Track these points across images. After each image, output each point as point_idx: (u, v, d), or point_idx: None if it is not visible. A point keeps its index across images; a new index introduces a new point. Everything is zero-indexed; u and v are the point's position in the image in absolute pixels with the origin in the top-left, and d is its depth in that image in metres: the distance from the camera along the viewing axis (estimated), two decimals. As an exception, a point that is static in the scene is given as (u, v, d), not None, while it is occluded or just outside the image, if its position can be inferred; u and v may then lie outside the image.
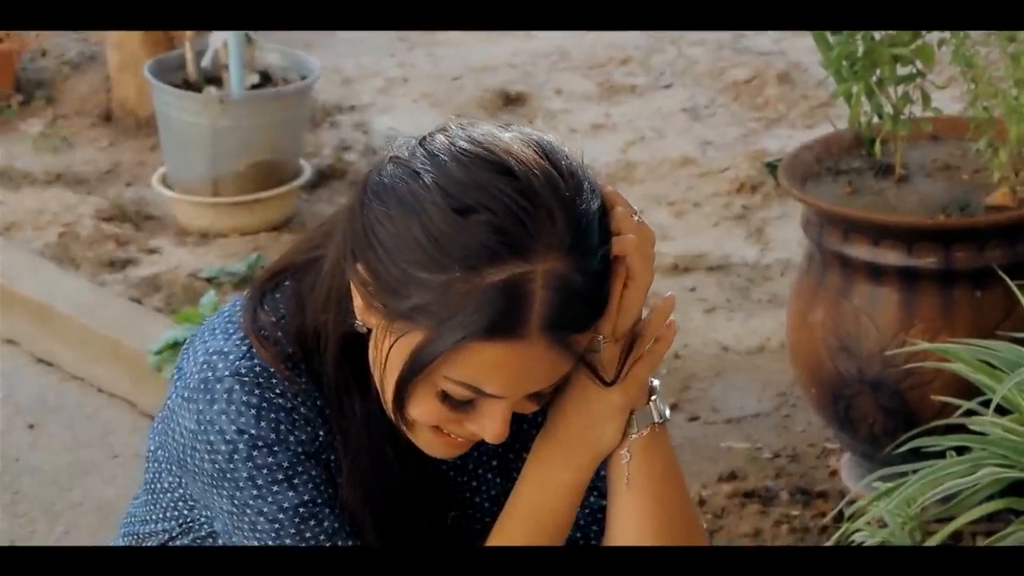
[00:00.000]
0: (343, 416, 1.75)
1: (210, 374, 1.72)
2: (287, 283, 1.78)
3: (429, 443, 1.74)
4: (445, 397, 1.67)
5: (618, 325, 1.69)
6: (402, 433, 1.76)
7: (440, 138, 1.66)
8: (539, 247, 1.60)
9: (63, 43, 5.92)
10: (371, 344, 1.71)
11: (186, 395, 1.73)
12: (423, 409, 1.69)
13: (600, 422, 1.74)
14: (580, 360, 1.67)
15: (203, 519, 1.84)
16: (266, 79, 4.85)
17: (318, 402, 1.74)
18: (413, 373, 1.65)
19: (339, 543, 1.74)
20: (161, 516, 1.88)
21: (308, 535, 1.73)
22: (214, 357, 1.73)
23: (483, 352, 1.62)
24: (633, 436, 1.75)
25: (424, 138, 1.67)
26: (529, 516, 1.77)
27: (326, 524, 1.74)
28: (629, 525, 1.77)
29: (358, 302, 1.69)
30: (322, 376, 1.74)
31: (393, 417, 1.72)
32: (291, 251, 1.82)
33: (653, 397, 1.77)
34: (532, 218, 1.60)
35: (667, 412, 1.78)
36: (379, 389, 1.72)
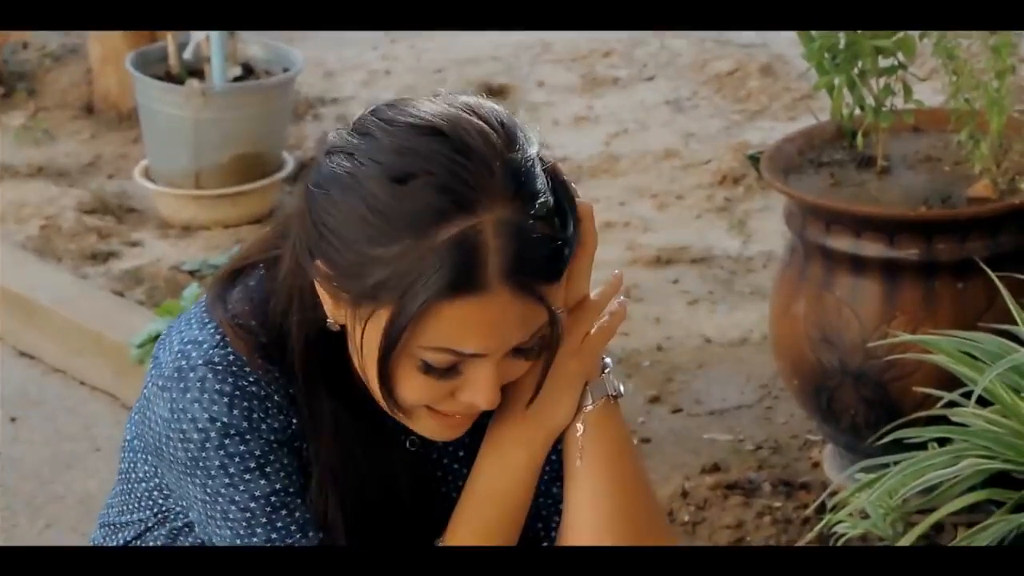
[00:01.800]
0: (312, 418, 1.74)
1: (184, 363, 1.73)
2: (260, 271, 1.78)
3: (430, 428, 1.74)
4: (428, 368, 1.67)
5: (569, 292, 1.73)
6: (374, 431, 1.76)
7: (369, 117, 1.68)
8: (483, 198, 1.61)
9: (44, 36, 5.90)
10: (349, 341, 1.72)
11: (161, 383, 1.74)
12: (410, 386, 1.68)
13: (555, 394, 1.75)
14: (552, 314, 1.67)
15: (179, 508, 1.84)
16: (248, 71, 4.85)
17: (290, 390, 1.74)
18: (389, 350, 1.65)
19: (310, 534, 1.74)
20: (136, 506, 1.88)
21: (280, 524, 1.73)
22: (188, 346, 1.74)
23: (450, 312, 1.62)
24: (587, 408, 1.77)
25: (354, 122, 1.69)
26: (488, 498, 1.77)
27: (298, 515, 1.74)
28: (585, 500, 1.77)
29: (326, 300, 1.70)
30: (293, 369, 1.75)
31: (386, 405, 1.71)
32: (249, 248, 1.82)
33: (607, 371, 1.79)
34: (470, 172, 1.61)
35: (621, 388, 1.80)
36: (364, 379, 1.72)
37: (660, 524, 1.82)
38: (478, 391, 1.69)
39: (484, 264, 1.61)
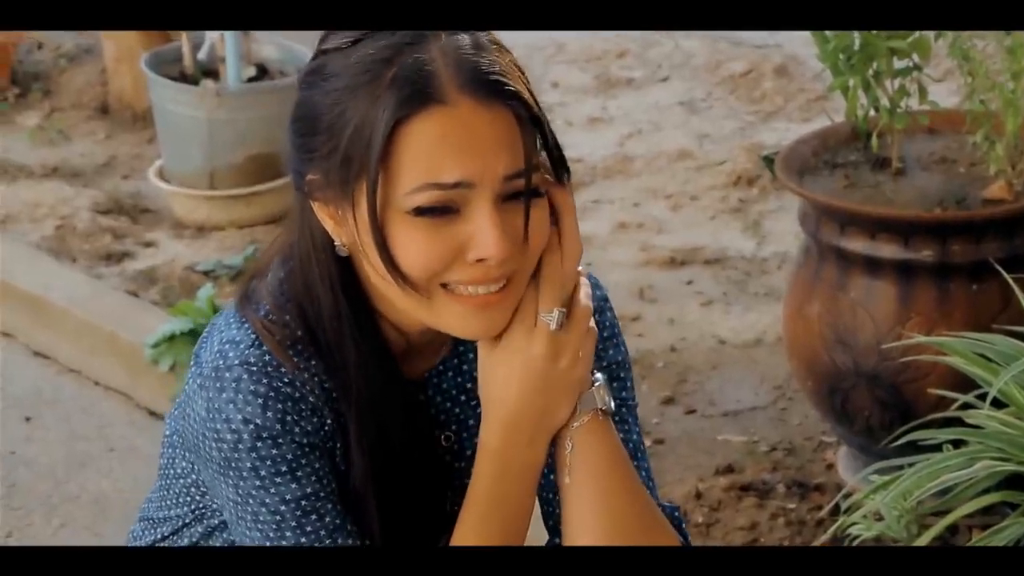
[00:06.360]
0: (344, 358, 1.75)
1: (221, 362, 1.74)
2: (287, 261, 1.79)
3: (457, 319, 1.71)
4: (421, 212, 1.66)
5: (566, 297, 1.73)
6: (396, 381, 1.76)
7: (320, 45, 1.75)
8: (428, 35, 1.67)
9: (59, 36, 5.91)
10: (360, 257, 1.72)
11: (200, 382, 1.75)
12: (412, 248, 1.67)
13: (558, 398, 1.74)
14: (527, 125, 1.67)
15: (215, 506, 1.85)
16: (263, 72, 4.85)
17: (325, 385, 1.75)
18: (374, 197, 1.66)
19: (339, 540, 1.74)
20: (175, 502, 1.89)
21: (309, 529, 1.74)
22: (226, 346, 1.75)
23: (418, 133, 1.64)
24: (575, 425, 1.76)
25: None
26: (492, 505, 1.76)
27: (327, 520, 1.74)
28: (577, 517, 1.76)
29: (328, 223, 1.72)
30: (329, 349, 1.75)
31: (400, 286, 1.69)
32: (270, 246, 1.85)
33: (596, 384, 1.78)
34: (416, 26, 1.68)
35: (611, 403, 1.79)
36: (375, 275, 1.71)
37: (659, 533, 1.80)
38: (481, 238, 1.66)
39: (437, 77, 1.65)
